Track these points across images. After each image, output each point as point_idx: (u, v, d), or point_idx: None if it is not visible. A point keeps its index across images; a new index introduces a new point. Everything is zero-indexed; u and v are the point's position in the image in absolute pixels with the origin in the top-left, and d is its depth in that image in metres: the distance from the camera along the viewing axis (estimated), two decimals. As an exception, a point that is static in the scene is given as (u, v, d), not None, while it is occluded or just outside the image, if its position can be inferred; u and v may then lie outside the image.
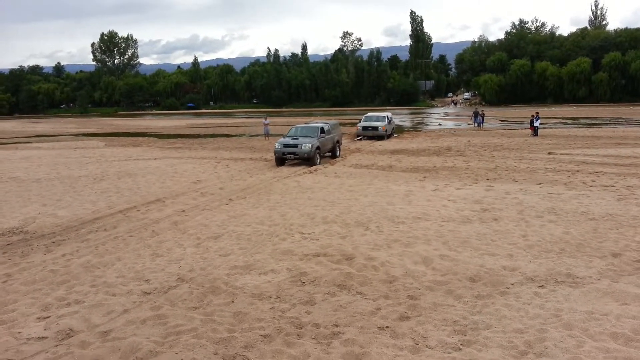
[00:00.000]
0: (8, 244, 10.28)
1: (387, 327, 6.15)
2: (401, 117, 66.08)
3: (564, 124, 45.81)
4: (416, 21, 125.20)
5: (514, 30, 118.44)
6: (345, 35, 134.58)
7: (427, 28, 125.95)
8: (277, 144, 21.94)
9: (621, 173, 17.11)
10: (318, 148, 21.64)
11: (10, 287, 7.85)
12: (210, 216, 12.35)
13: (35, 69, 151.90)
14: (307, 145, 21.05)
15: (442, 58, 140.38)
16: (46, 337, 6.11)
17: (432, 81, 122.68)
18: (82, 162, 24.40)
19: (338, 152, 24.33)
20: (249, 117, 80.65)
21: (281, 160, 21.62)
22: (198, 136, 42.42)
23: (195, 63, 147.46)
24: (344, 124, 43.07)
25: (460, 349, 5.57)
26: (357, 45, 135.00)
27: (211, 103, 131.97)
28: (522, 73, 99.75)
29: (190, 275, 8.13)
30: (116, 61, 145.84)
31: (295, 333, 6.07)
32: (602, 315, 6.27)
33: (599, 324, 6.03)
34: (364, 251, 9.10)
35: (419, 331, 6.03)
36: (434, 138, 33.84)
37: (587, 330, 5.88)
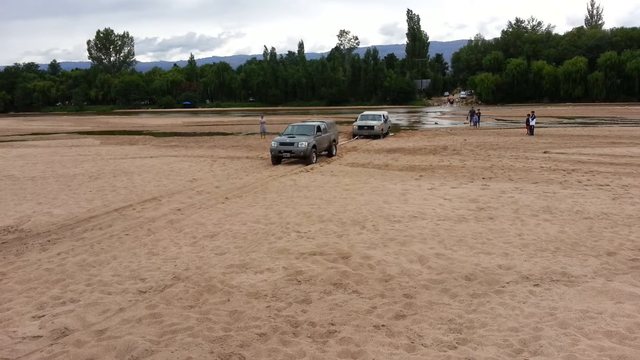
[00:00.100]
0: (3, 243, 10.24)
1: (383, 325, 6.16)
2: (397, 116, 66.13)
3: (560, 123, 45.95)
4: (413, 20, 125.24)
5: (510, 30, 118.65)
6: (342, 33, 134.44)
7: (424, 27, 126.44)
8: (273, 142, 21.91)
9: (616, 172, 17.18)
10: (314, 147, 21.64)
11: (5, 285, 7.82)
12: (206, 215, 12.34)
13: (31, 67, 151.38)
14: (303, 143, 21.04)
15: (439, 57, 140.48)
16: (41, 336, 6.09)
17: (429, 80, 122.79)
18: (78, 161, 24.33)
19: (334, 151, 24.35)
20: (245, 116, 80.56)
21: (277, 158, 21.60)
22: (194, 134, 42.36)
23: (192, 61, 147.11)
24: (340, 123, 43.10)
25: (455, 347, 5.58)
26: (354, 44, 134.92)
27: (207, 101, 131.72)
28: (518, 72, 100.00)
29: (186, 274, 8.12)
30: (112, 59, 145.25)
31: (291, 332, 6.07)
32: (597, 313, 6.29)
33: (593, 323, 6.06)
34: (360, 250, 9.11)
35: (414, 330, 6.04)
36: (430, 137, 33.90)
37: (582, 329, 5.90)
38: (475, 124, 42.78)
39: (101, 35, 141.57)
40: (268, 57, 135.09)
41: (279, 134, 23.47)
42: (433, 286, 7.38)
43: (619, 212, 11.50)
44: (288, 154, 21.35)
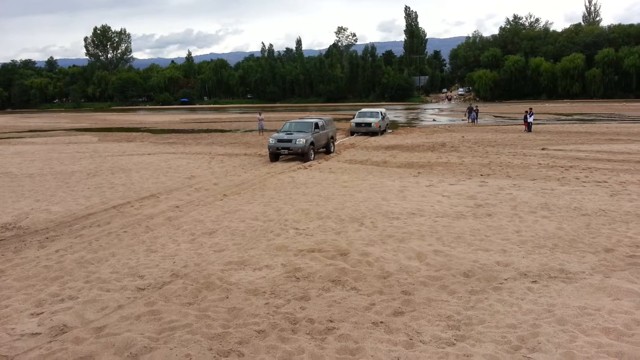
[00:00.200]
0: (1, 240, 10.23)
1: (381, 322, 6.18)
2: (395, 113, 66.10)
3: (558, 120, 45.98)
4: (411, 16, 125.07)
5: (508, 26, 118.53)
6: (340, 30, 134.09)
7: (422, 23, 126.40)
8: (270, 139, 21.87)
9: (614, 169, 17.21)
10: (312, 143, 21.61)
11: (4, 283, 7.81)
12: (204, 212, 12.33)
13: (28, 64, 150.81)
14: (301, 140, 21.01)
15: (437, 54, 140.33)
16: (40, 333, 6.09)
17: (427, 77, 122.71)
18: (76, 158, 24.28)
19: (332, 148, 24.33)
20: (243, 113, 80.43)
21: (275, 155, 21.56)
22: (192, 131, 42.28)
23: (189, 58, 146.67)
24: (339, 120, 43.07)
25: (454, 344, 5.60)
26: (352, 41, 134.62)
27: (205, 98, 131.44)
28: (516, 69, 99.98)
29: (184, 271, 8.13)
30: (109, 55, 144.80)
31: (289, 328, 6.08)
32: (595, 310, 6.31)
33: (591, 319, 6.08)
34: (358, 247, 9.12)
35: (413, 326, 6.05)
36: (428, 134, 33.90)
37: (580, 325, 5.92)
38: (473, 121, 42.78)
39: (98, 32, 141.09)
40: (266, 53, 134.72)
41: (277, 131, 23.44)
42: (431, 283, 7.39)
43: (617, 209, 11.53)
44: (286, 151, 21.31)
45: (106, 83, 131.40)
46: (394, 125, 42.19)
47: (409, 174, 17.38)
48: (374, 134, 33.04)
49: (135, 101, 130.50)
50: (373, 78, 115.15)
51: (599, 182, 14.93)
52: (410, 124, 47.95)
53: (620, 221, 10.50)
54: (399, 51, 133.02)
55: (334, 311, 6.51)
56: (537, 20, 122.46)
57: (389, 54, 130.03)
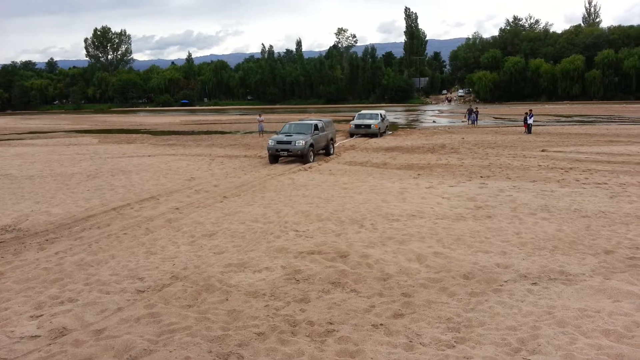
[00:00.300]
0: (1, 242, 10.23)
1: (381, 324, 6.17)
2: (395, 114, 66.14)
3: (558, 122, 46.01)
4: (411, 18, 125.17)
5: (508, 28, 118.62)
6: (340, 31, 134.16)
7: (422, 25, 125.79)
8: (270, 140, 21.86)
9: (614, 170, 17.21)
10: (312, 145, 21.60)
11: (3, 285, 7.81)
12: (204, 214, 12.33)
13: (28, 65, 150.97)
14: (300, 142, 20.98)
15: (437, 55, 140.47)
16: (39, 336, 6.09)
17: (427, 78, 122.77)
18: (76, 159, 24.29)
19: (332, 150, 24.31)
20: (243, 114, 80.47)
21: (274, 157, 21.54)
22: (192, 133, 42.31)
23: (189, 59, 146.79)
24: (338, 121, 43.10)
25: (454, 346, 5.59)
26: (352, 42, 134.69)
27: (205, 99, 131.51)
28: (516, 70, 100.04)
29: (184, 273, 8.12)
30: (109, 57, 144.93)
31: (289, 331, 6.08)
32: (595, 312, 6.31)
33: (591, 321, 6.07)
34: (358, 249, 9.11)
35: (412, 328, 6.05)
36: (428, 135, 33.91)
37: (580, 327, 5.92)
38: (473, 123, 42.81)
39: (98, 33, 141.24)
40: (266, 55, 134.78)
41: (276, 133, 23.44)
42: (431, 285, 7.39)
43: (617, 211, 11.52)
44: (285, 153, 21.29)
45: (106, 84, 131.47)
46: (393, 127, 42.21)
47: (409, 175, 17.38)
48: (373, 135, 33.03)
49: (136, 103, 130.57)
50: (373, 79, 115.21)
51: (599, 183, 14.93)
52: (410, 125, 47.97)
53: (620, 223, 10.50)
54: (399, 52, 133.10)
55: (333, 313, 6.51)
56: (537, 21, 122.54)
57: (389, 55, 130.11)
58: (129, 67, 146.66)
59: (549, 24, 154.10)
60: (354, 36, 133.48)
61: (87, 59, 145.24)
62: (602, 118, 49.62)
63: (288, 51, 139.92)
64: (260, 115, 39.00)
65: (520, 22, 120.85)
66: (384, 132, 35.03)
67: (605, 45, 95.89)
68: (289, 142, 21.10)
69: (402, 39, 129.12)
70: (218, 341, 5.84)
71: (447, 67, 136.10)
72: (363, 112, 37.14)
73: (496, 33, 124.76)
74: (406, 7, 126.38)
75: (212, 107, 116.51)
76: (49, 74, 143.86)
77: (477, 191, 14.25)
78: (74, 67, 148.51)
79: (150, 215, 12.34)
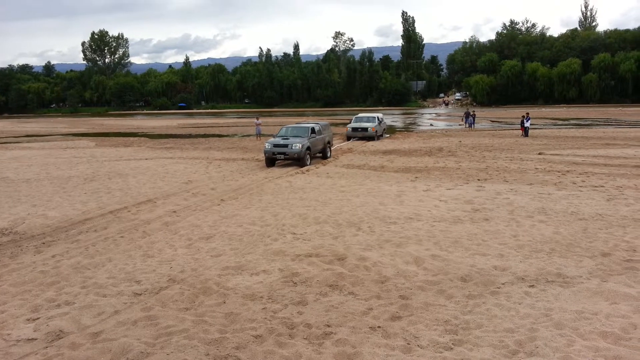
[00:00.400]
0: (-3, 245, 10.19)
1: (378, 327, 6.16)
2: (393, 118, 66.24)
3: (554, 125, 46.14)
4: (408, 22, 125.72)
5: (504, 31, 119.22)
6: (337, 35, 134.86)
7: (419, 28, 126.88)
8: (267, 144, 21.84)
9: (611, 173, 17.26)
10: (308, 148, 21.59)
11: (0, 288, 7.77)
12: (201, 217, 12.31)
13: (25, 68, 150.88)
14: (297, 145, 20.97)
15: (434, 58, 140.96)
16: (36, 339, 6.06)
17: (424, 82, 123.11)
18: (73, 162, 24.24)
19: (329, 153, 24.28)
20: (240, 117, 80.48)
21: (271, 160, 21.51)
22: (189, 136, 42.27)
23: (187, 62, 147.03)
24: (336, 124, 43.13)
25: (451, 349, 5.59)
26: (349, 46, 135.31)
27: (203, 103, 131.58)
28: (512, 74, 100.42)
29: (181, 276, 8.10)
30: (107, 60, 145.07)
31: (287, 333, 6.07)
32: (592, 314, 6.31)
33: (589, 323, 6.08)
34: (355, 251, 9.11)
35: (410, 331, 6.04)
36: (425, 138, 33.95)
37: (577, 330, 5.92)
38: (470, 126, 42.90)
39: (96, 36, 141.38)
40: (263, 58, 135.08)
41: (273, 136, 23.43)
42: (429, 287, 7.38)
43: (614, 213, 11.55)
44: (282, 156, 21.27)
45: (103, 88, 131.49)
46: (391, 130, 42.27)
47: (407, 178, 17.39)
48: (370, 138, 33.03)
49: (133, 106, 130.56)
50: (370, 83, 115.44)
51: (595, 186, 14.97)
52: (407, 128, 48.03)
53: (617, 225, 10.52)
54: (396, 56, 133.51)
55: (331, 316, 6.50)
56: (533, 25, 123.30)
57: (386, 59, 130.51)
58: (127, 70, 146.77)
59: (546, 27, 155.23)
60: (352, 40, 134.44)
61: (85, 62, 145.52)
62: (599, 121, 49.78)
63: (285, 55, 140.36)
64: (257, 119, 39.00)
65: (517, 26, 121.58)
66: (381, 135, 35.00)
67: (601, 49, 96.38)
68: (286, 145, 21.09)
69: (400, 42, 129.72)
70: (215, 344, 5.83)
71: (444, 70, 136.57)
72: (360, 115, 37.13)
73: (493, 37, 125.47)
74: (403, 11, 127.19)
75: (209, 111, 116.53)
76: (46, 78, 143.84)
77: (474, 194, 14.27)
78: (71, 70, 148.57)
79: (147, 218, 12.31)
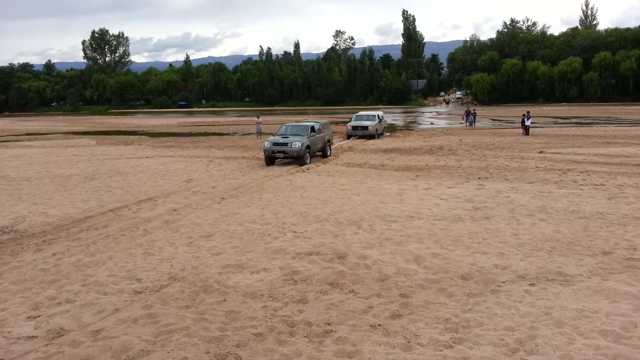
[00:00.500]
0: (-2, 243, 10.20)
1: (379, 325, 6.17)
2: (393, 116, 66.20)
3: (555, 123, 46.09)
4: (408, 20, 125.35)
5: (505, 30, 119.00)
6: (338, 34, 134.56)
7: (419, 27, 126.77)
8: (266, 142, 21.80)
9: (611, 172, 17.25)
10: (308, 147, 21.56)
11: (0, 286, 7.79)
12: (202, 215, 12.32)
13: (26, 67, 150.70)
14: (297, 144, 20.94)
15: (434, 57, 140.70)
16: (36, 337, 6.07)
17: (424, 80, 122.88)
18: (73, 161, 24.24)
19: (329, 152, 24.25)
20: (241, 116, 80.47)
21: (271, 159, 21.48)
22: (190, 135, 42.27)
23: (187, 61, 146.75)
24: (336, 123, 43.12)
25: (451, 347, 5.59)
26: (350, 44, 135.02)
27: (203, 101, 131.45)
28: (513, 72, 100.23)
29: (182, 274, 8.11)
30: (107, 59, 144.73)
31: (287, 331, 6.07)
32: (593, 312, 6.32)
33: (589, 322, 6.08)
34: (356, 250, 9.11)
35: (410, 329, 6.05)
36: (426, 137, 33.94)
37: (578, 328, 5.92)
38: (471, 124, 42.87)
39: (96, 35, 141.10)
40: (264, 57, 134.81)
41: (273, 134, 23.41)
42: (429, 286, 7.39)
43: (614, 212, 11.55)
44: (281, 155, 21.24)
45: (104, 86, 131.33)
46: (391, 129, 42.24)
47: (407, 177, 17.39)
48: (370, 137, 32.96)
49: (133, 104, 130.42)
50: (371, 81, 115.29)
51: (596, 185, 14.96)
52: (408, 127, 48.01)
53: (618, 224, 10.52)
54: (396, 55, 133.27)
55: (331, 314, 6.51)
56: (534, 23, 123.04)
57: (386, 58, 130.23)
58: (127, 69, 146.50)
59: (546, 26, 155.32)
60: (352, 38, 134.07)
61: (85, 61, 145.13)
62: (600, 120, 49.73)
63: (286, 53, 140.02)
64: (258, 117, 39.01)
65: (518, 25, 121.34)
66: (382, 133, 34.93)
67: (602, 47, 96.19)
68: (285, 144, 21.06)
69: (400, 41, 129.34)
70: (216, 342, 5.83)
71: (445, 69, 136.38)
72: (360, 113, 37.02)
73: (493, 35, 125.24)
74: (404, 10, 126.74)
75: (210, 109, 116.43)
76: (46, 76, 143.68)
77: (475, 192, 14.26)
78: (72, 69, 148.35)
79: (147, 216, 12.32)
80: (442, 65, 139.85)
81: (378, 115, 35.10)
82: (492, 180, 16.29)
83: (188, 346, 5.72)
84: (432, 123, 52.56)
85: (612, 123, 44.93)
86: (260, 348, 5.67)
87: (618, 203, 12.50)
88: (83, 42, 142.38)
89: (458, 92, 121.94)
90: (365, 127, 33.15)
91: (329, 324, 6.21)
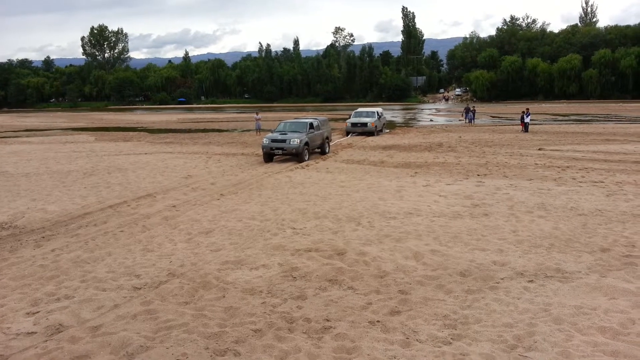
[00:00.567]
0: (-3, 239, 10.19)
1: (378, 321, 6.18)
2: (393, 113, 66.16)
3: (554, 120, 46.09)
4: (408, 17, 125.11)
5: (505, 27, 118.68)
6: (337, 30, 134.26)
7: (419, 24, 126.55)
8: (265, 139, 21.77)
9: (610, 169, 17.26)
10: (307, 144, 21.53)
11: (-1, 282, 7.79)
12: (201, 211, 12.32)
13: (25, 63, 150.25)
14: (295, 140, 20.91)
15: (434, 54, 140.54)
16: (35, 333, 6.08)
17: (424, 77, 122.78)
18: (72, 157, 24.23)
19: (327, 149, 24.22)
20: (240, 112, 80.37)
21: (269, 155, 21.44)
22: (189, 131, 42.23)
23: (186, 57, 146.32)
24: (336, 120, 43.08)
25: (450, 343, 5.60)
26: (349, 41, 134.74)
27: (202, 98, 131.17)
28: (513, 69, 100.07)
29: (181, 270, 8.11)
30: (106, 55, 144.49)
31: (286, 328, 6.08)
32: (591, 309, 6.33)
33: (587, 318, 6.09)
34: (355, 246, 9.12)
35: (409, 325, 6.05)
36: (425, 134, 33.92)
37: (576, 325, 5.93)
38: (470, 121, 42.84)
39: (95, 31, 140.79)
40: (263, 53, 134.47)
41: (271, 131, 23.36)
42: (428, 282, 7.40)
43: (613, 209, 11.56)
44: (280, 151, 21.20)
45: (103, 83, 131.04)
46: (391, 125, 42.21)
47: (406, 173, 17.39)
48: (369, 134, 32.92)
49: (133, 101, 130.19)
50: (370, 78, 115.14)
51: (595, 182, 14.97)
52: (407, 124, 48.00)
53: (617, 221, 10.53)
54: (396, 51, 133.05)
55: (330, 310, 6.51)
56: (534, 21, 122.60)
57: (386, 54, 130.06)
58: (126, 65, 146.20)
59: (546, 23, 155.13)
60: (352, 35, 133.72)
61: (84, 57, 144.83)
62: (599, 117, 49.73)
63: (285, 50, 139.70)
64: (257, 114, 38.96)
65: (518, 22, 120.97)
66: (381, 130, 34.88)
67: (602, 44, 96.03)
68: (284, 141, 21.03)
69: (400, 38, 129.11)
70: (215, 338, 5.84)
71: (445, 66, 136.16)
72: (360, 110, 36.96)
73: (493, 32, 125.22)
74: (403, 7, 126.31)
75: (209, 106, 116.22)
76: (45, 72, 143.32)
77: (474, 189, 14.27)
78: (71, 65, 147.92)
79: (147, 212, 12.32)
80: (441, 62, 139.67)
81: (377, 112, 35.06)
82: (491, 177, 16.30)
83: (187, 342, 5.73)
84: (431, 120, 52.54)
85: (612, 120, 44.93)
86: (259, 344, 5.68)
87: (617, 200, 12.51)
88: (82, 38, 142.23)
89: (457, 89, 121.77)
90: (365, 124, 33.09)
91: (327, 320, 6.22)
